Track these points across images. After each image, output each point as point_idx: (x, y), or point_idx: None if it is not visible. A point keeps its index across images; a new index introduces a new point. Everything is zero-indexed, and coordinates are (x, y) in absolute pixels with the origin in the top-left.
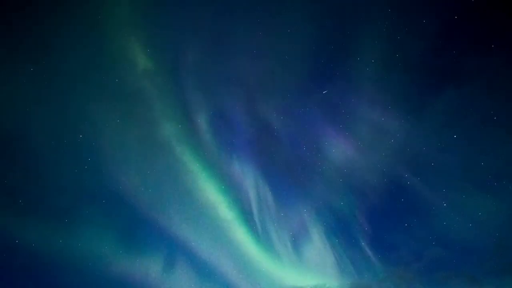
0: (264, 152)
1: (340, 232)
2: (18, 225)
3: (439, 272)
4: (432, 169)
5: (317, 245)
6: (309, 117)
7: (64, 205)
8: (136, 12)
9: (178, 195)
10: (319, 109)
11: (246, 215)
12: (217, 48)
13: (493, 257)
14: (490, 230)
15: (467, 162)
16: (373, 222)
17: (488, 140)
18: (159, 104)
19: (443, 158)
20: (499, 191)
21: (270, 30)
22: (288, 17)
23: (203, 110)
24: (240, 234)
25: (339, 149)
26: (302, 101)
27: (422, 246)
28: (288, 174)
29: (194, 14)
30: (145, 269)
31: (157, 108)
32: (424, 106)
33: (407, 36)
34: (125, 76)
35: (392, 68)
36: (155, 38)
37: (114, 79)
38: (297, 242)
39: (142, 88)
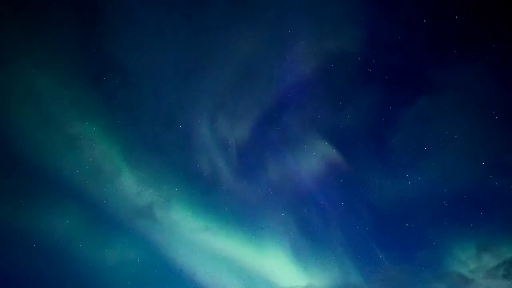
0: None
1: (333, 233)
2: None
3: (431, 272)
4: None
5: (309, 246)
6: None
7: None
8: None
9: None
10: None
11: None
12: None
13: (491, 257)
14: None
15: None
16: (367, 223)
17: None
18: None
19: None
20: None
21: None
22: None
23: None
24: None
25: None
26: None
27: (416, 246)
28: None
29: None
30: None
31: None
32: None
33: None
34: None
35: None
36: None
37: None
38: (289, 242)
39: None
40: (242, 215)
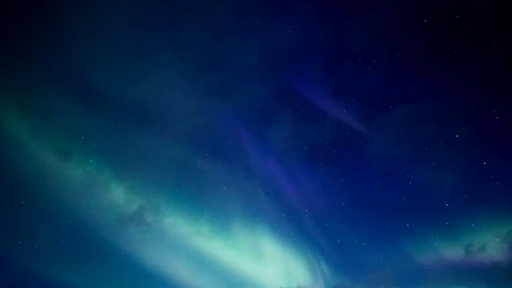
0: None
1: (321, 235)
2: None
3: (427, 271)
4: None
5: (299, 247)
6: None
7: None
8: None
9: None
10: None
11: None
12: None
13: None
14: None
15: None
16: (366, 223)
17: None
18: None
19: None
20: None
21: None
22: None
23: None
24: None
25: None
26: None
27: (415, 247)
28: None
29: None
30: None
31: None
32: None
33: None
34: None
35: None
36: None
37: None
38: (278, 243)
39: None
40: (234, 219)
